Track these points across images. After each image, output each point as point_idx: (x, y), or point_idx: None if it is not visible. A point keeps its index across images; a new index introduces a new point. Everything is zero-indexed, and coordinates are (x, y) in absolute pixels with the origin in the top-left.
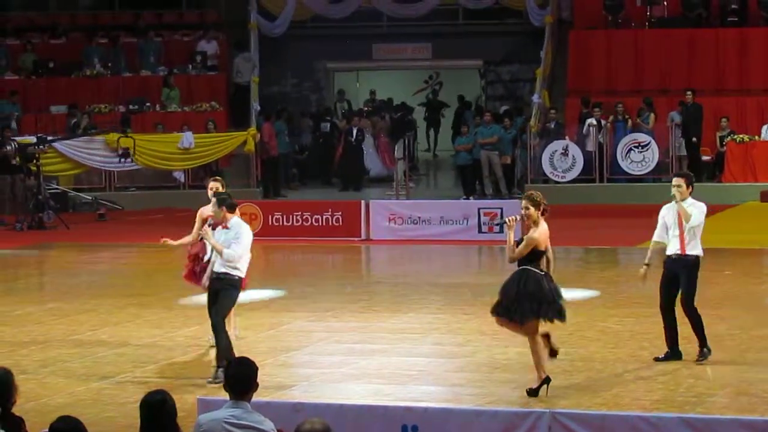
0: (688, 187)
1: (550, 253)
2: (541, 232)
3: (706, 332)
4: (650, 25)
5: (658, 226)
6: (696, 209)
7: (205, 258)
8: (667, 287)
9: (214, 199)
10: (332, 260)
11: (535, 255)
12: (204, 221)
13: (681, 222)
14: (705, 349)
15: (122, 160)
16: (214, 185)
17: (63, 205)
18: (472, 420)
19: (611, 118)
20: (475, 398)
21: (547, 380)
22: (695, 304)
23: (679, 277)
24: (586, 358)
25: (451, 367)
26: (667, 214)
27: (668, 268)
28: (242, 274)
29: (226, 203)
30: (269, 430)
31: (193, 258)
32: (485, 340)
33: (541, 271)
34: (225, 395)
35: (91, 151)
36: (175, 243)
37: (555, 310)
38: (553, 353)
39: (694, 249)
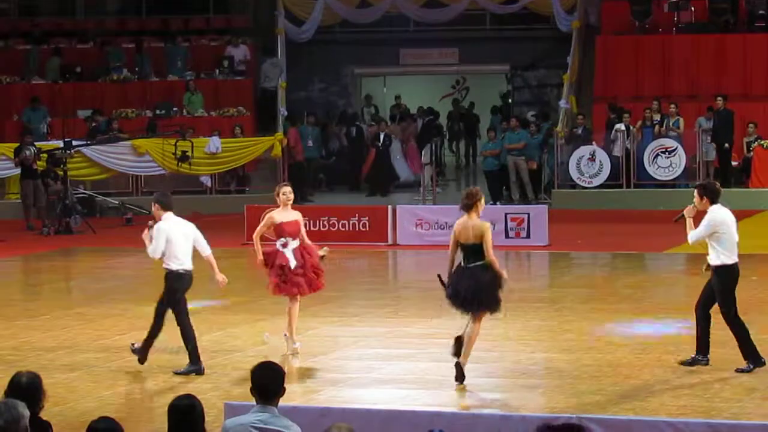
0: (701, 198)
1: (486, 246)
2: (456, 224)
3: (731, 336)
4: (678, 31)
5: None
6: (703, 221)
7: (293, 265)
8: (702, 293)
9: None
10: (359, 265)
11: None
12: (272, 226)
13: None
14: (749, 365)
15: (180, 164)
16: (286, 189)
17: (90, 210)
18: (499, 425)
19: (639, 123)
20: (502, 403)
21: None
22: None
23: (713, 285)
24: (613, 364)
25: (477, 372)
26: None
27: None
28: (173, 267)
29: (157, 201)
30: None
31: (277, 270)
32: (512, 345)
33: (461, 263)
34: (251, 399)
35: (119, 156)
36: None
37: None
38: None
39: (717, 258)
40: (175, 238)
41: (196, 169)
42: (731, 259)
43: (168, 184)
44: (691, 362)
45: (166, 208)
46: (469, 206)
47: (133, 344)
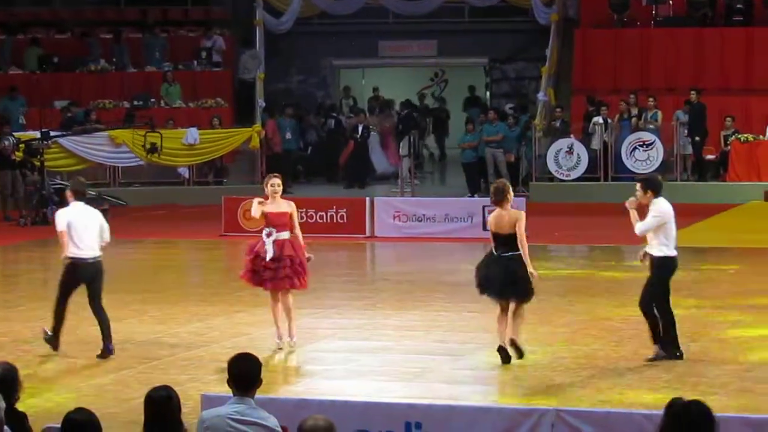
0: (645, 192)
1: (519, 234)
2: (490, 217)
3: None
4: (656, 24)
5: None
6: (650, 213)
7: (268, 257)
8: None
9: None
10: (337, 257)
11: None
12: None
13: None
14: (659, 351)
15: (150, 155)
16: (274, 181)
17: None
18: (475, 417)
19: (617, 116)
20: (478, 395)
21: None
22: (662, 305)
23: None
24: (590, 356)
25: (454, 365)
26: None
27: None
28: (70, 255)
29: (70, 188)
30: (273, 427)
31: (254, 257)
32: (489, 337)
33: (491, 252)
34: (228, 391)
35: (96, 147)
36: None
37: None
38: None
39: (656, 249)
40: (75, 225)
41: (173, 160)
42: (672, 251)
43: (146, 175)
44: (666, 357)
45: (77, 196)
46: (500, 201)
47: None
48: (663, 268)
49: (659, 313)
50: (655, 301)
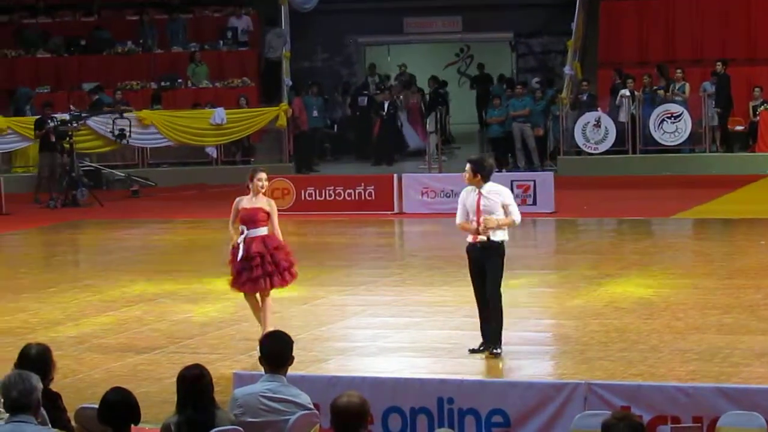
0: (474, 175)
1: None
2: None
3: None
4: None
5: (459, 209)
6: (493, 197)
7: (239, 257)
8: (477, 276)
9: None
10: (365, 234)
11: None
12: (238, 212)
13: (479, 208)
14: (497, 349)
15: (119, 141)
16: (263, 176)
17: (96, 182)
18: (507, 392)
19: (644, 89)
20: (509, 370)
21: None
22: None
23: (485, 264)
24: (621, 329)
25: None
26: (466, 197)
27: (474, 256)
28: None
29: None
30: (305, 404)
31: (232, 260)
32: (519, 312)
33: None
34: (261, 369)
35: (124, 128)
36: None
37: None
38: None
39: (503, 234)
40: None
41: (201, 140)
42: (507, 236)
43: (174, 155)
44: (478, 350)
45: None
46: None
47: None
48: (501, 252)
49: (492, 297)
50: (496, 287)
